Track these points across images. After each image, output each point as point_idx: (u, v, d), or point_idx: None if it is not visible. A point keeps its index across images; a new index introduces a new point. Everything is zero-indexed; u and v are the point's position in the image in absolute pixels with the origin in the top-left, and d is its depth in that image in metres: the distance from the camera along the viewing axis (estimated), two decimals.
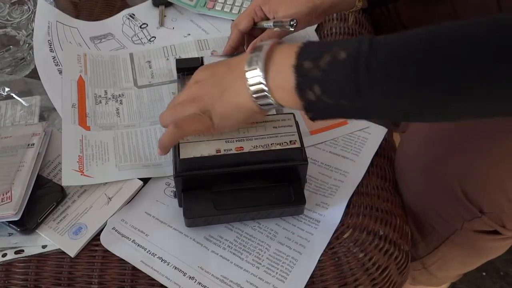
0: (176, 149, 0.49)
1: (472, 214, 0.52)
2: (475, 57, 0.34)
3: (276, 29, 0.59)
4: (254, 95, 0.43)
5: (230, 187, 0.51)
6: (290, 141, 0.49)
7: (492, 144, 0.47)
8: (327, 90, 0.39)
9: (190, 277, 0.48)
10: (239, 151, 0.48)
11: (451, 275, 0.70)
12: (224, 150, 0.48)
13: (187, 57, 0.66)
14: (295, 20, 0.56)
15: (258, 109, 0.44)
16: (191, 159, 0.48)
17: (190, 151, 0.48)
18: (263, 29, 0.62)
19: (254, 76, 0.42)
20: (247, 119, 0.46)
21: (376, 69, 0.36)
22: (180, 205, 0.52)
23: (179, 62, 0.62)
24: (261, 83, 0.42)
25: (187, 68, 0.62)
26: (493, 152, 0.48)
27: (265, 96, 0.42)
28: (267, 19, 0.61)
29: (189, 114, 0.46)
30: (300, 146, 0.49)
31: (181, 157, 0.48)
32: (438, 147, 0.51)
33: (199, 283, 0.48)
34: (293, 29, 0.57)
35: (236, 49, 0.63)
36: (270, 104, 0.43)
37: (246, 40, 0.63)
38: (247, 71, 0.42)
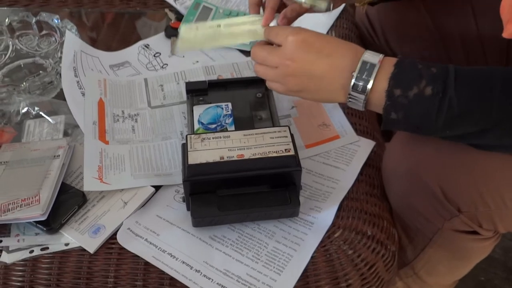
0: (185, 157, 0.55)
1: (451, 213, 0.57)
2: None
3: (304, 2, 0.59)
4: (350, 99, 0.52)
5: (233, 191, 0.57)
6: (285, 149, 0.56)
7: (467, 147, 0.53)
8: (408, 117, 0.48)
9: (196, 270, 0.54)
10: (240, 158, 0.55)
11: (442, 281, 0.74)
12: (227, 157, 0.55)
13: (195, 80, 0.74)
14: (331, 4, 0.60)
15: (343, 102, 0.53)
16: (198, 165, 0.54)
17: (197, 158, 0.55)
18: None
19: (357, 97, 0.51)
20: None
21: (455, 111, 0.46)
22: (188, 209, 0.58)
23: (188, 85, 0.70)
24: (364, 96, 0.51)
25: (195, 90, 0.69)
26: (468, 154, 0.54)
27: (360, 105, 0.52)
28: None
29: (284, 88, 0.56)
30: (294, 154, 0.55)
31: (189, 163, 0.54)
32: (417, 152, 0.58)
33: (204, 275, 0.53)
34: (325, 11, 0.60)
35: (275, 11, 0.61)
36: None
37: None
38: (351, 92, 0.51)
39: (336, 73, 0.52)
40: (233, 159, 0.55)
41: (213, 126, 0.64)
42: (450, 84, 0.46)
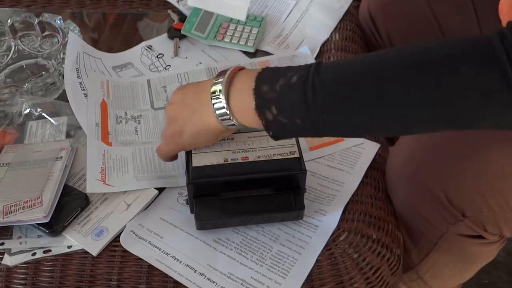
0: (189, 159, 0.55)
1: (456, 217, 0.57)
2: (396, 81, 0.40)
3: None
4: (219, 118, 0.49)
5: (237, 194, 0.56)
6: (290, 152, 0.55)
7: (470, 151, 0.53)
8: (282, 110, 0.44)
9: (200, 274, 0.53)
10: (244, 161, 0.55)
11: (447, 285, 0.74)
12: (231, 160, 0.55)
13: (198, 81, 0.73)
14: None
15: (224, 129, 0.50)
16: (202, 167, 0.54)
17: (201, 160, 0.54)
18: None
19: (218, 102, 0.48)
20: (216, 137, 0.53)
21: (320, 91, 0.42)
22: (191, 212, 0.58)
23: None
24: (224, 107, 0.48)
25: None
26: (471, 158, 0.53)
27: (229, 119, 0.48)
28: None
29: (165, 139, 0.55)
30: (298, 156, 0.55)
31: (193, 165, 0.54)
32: (421, 157, 0.57)
33: (208, 279, 0.53)
34: None
35: None
36: (234, 124, 0.49)
37: None
38: (211, 97, 0.48)
39: (203, 91, 0.51)
40: (237, 161, 0.54)
41: None
42: (312, 69, 0.43)
